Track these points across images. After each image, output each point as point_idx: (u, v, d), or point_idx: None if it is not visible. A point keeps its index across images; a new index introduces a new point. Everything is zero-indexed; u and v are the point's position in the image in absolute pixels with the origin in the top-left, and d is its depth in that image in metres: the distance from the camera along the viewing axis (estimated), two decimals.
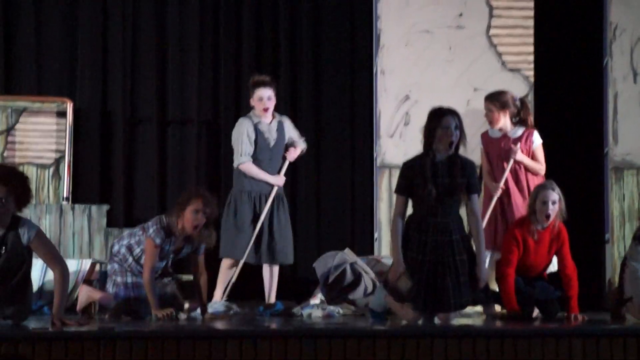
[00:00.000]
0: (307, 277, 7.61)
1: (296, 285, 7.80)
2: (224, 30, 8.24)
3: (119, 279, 6.21)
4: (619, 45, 7.40)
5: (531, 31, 7.54)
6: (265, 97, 7.04)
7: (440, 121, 5.65)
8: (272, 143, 7.06)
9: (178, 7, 8.20)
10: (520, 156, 6.69)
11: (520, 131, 6.78)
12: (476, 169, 5.79)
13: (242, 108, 7.82)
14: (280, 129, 7.13)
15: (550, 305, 6.20)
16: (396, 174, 7.46)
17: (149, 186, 8.14)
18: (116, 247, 6.28)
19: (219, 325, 5.60)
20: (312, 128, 8.21)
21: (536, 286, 6.19)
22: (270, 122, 7.12)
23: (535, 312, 6.26)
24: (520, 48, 7.53)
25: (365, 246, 7.85)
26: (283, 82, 8.21)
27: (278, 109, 7.99)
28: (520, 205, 6.65)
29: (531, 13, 7.60)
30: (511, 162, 6.67)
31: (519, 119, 6.78)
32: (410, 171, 5.68)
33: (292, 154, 7.17)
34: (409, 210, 5.76)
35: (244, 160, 7.00)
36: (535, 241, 6.12)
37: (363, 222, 8.07)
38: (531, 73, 7.50)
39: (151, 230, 6.06)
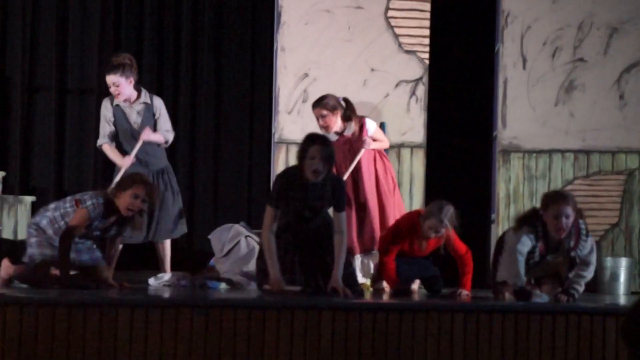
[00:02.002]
0: (202, 249, 7.69)
1: (191, 257, 7.87)
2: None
3: (33, 240, 6.00)
4: (510, 32, 7.60)
5: (428, 15, 7.67)
6: (110, 83, 6.86)
7: (307, 151, 5.81)
8: (133, 126, 6.93)
9: None
10: (372, 145, 6.87)
11: (353, 125, 6.90)
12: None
13: (143, 76, 7.82)
14: (146, 111, 6.96)
15: (433, 282, 6.38)
16: (293, 149, 7.64)
17: (46, 154, 8.09)
18: (37, 219, 6.06)
19: (111, 294, 5.65)
20: (212, 102, 8.27)
21: (414, 264, 6.33)
22: (133, 104, 6.95)
23: (417, 283, 6.46)
24: (417, 31, 7.66)
25: (260, 219, 7.92)
26: (184, 55, 8.23)
27: (178, 83, 7.99)
28: (369, 192, 6.82)
29: None
30: (362, 152, 6.84)
31: (347, 116, 6.91)
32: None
33: (146, 134, 6.86)
34: None
35: (99, 143, 6.98)
36: (420, 245, 6.29)
37: (259, 196, 8.16)
38: (426, 55, 7.66)
39: (89, 203, 5.94)
